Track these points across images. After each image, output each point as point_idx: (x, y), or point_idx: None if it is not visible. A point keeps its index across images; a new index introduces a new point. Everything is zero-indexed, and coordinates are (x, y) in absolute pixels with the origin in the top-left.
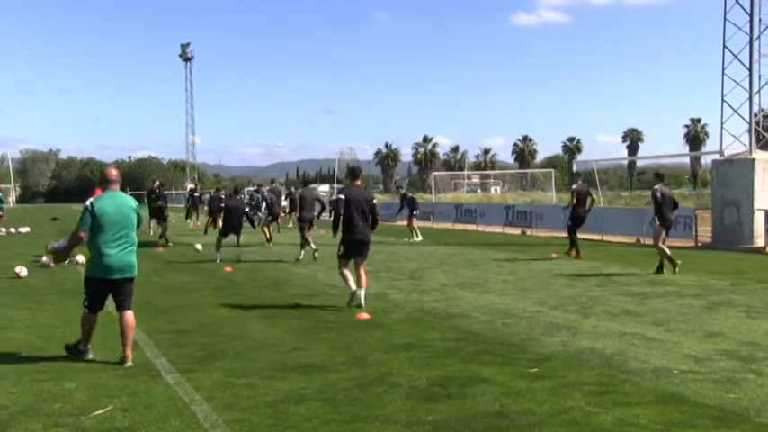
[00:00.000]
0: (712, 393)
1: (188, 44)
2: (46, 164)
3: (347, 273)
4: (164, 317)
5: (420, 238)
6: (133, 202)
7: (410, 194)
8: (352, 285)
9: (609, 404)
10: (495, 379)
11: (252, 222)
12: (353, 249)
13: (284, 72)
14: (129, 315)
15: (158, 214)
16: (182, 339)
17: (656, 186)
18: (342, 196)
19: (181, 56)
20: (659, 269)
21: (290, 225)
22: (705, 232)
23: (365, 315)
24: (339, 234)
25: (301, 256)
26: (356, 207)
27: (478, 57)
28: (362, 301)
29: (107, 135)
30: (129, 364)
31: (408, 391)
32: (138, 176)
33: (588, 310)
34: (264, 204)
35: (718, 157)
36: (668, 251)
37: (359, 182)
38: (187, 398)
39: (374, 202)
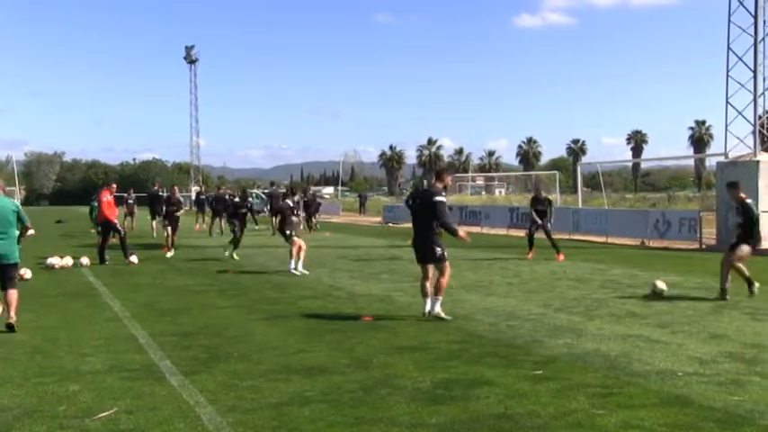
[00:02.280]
0: (717, 396)
1: (192, 47)
2: (50, 166)
3: (426, 286)
4: (168, 319)
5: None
6: (13, 205)
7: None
8: (425, 304)
9: (613, 406)
10: (499, 381)
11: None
12: (416, 254)
13: (288, 74)
14: (13, 292)
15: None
16: (186, 341)
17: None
18: (411, 201)
19: (185, 58)
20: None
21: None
22: (710, 234)
23: (369, 317)
24: None
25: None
26: (418, 209)
27: (482, 58)
28: (426, 309)
29: (111, 137)
30: (12, 320)
31: (412, 393)
32: (142, 179)
33: (593, 313)
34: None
35: (722, 159)
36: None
37: (440, 184)
38: (191, 400)
39: (435, 199)
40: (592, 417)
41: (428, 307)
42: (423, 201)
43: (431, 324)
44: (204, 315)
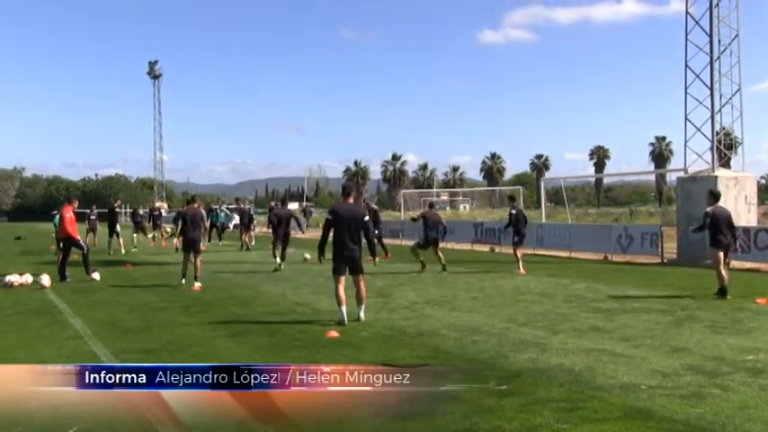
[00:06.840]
0: (679, 408)
1: (156, 61)
2: (10, 182)
3: (341, 296)
4: (130, 336)
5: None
6: None
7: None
8: (344, 312)
9: (578, 420)
10: (464, 396)
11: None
12: (347, 266)
13: (252, 90)
14: None
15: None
16: (148, 359)
17: (708, 209)
18: (329, 216)
19: (149, 73)
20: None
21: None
22: (671, 249)
23: (334, 333)
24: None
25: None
26: (344, 225)
27: (446, 74)
28: (361, 315)
29: (73, 152)
30: None
31: (377, 409)
32: (104, 195)
33: (557, 327)
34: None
35: (682, 174)
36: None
37: (350, 199)
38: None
39: (366, 219)
40: (556, 431)
41: (356, 314)
42: (354, 218)
43: (396, 340)
44: (167, 332)
